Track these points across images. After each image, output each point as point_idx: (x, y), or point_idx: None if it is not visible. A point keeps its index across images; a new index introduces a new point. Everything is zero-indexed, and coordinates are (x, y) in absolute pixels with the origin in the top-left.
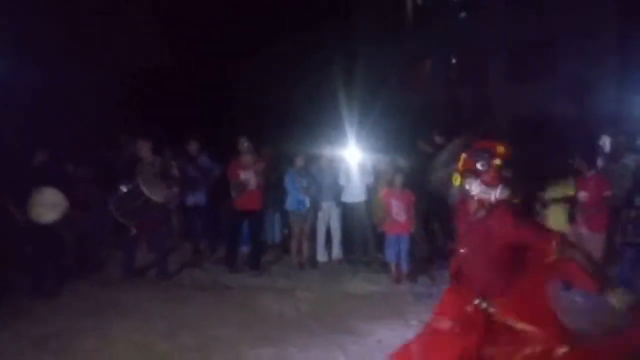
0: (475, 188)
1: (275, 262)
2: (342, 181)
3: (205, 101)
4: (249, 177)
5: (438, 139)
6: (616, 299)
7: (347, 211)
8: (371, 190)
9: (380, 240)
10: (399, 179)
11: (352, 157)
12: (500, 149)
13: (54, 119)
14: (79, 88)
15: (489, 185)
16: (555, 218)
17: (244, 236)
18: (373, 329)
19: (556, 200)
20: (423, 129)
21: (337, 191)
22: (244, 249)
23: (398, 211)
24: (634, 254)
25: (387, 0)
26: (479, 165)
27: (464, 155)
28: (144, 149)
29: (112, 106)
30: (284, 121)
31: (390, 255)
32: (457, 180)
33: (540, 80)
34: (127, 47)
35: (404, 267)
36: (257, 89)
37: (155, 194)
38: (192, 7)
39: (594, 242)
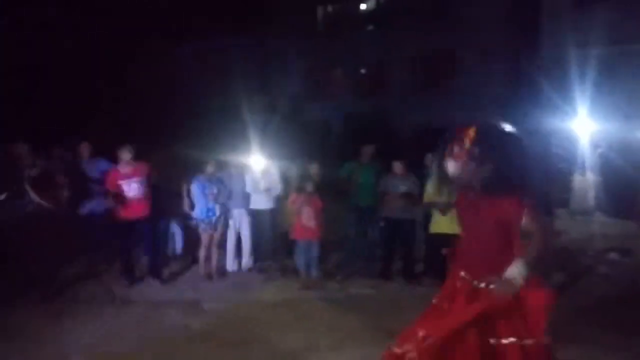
0: (451, 168)
1: (181, 273)
2: (248, 189)
3: (103, 102)
4: (129, 186)
5: (368, 150)
6: (516, 271)
7: (256, 218)
8: (280, 197)
9: (290, 247)
10: (309, 185)
11: (259, 164)
12: (471, 131)
13: None
14: None
15: (458, 161)
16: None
17: (146, 247)
18: (283, 338)
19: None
20: (333, 137)
21: (247, 198)
22: (145, 260)
23: (308, 217)
24: None
25: (299, 8)
26: (456, 149)
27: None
28: (21, 152)
29: None
30: (191, 126)
31: (300, 261)
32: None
33: (440, 92)
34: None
35: (314, 273)
36: (162, 92)
37: (43, 199)
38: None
39: None
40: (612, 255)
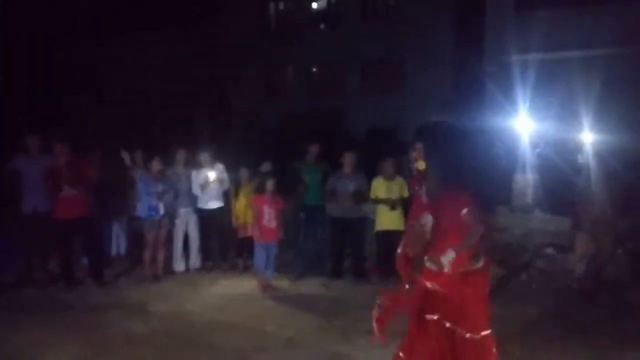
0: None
1: (126, 274)
2: (195, 188)
3: (46, 94)
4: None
5: (314, 149)
6: (445, 255)
7: (204, 218)
8: (228, 196)
9: (239, 246)
10: (270, 184)
11: (208, 162)
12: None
13: None
14: None
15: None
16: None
17: (86, 248)
18: (230, 339)
19: (400, 201)
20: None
21: (194, 197)
22: (85, 261)
23: (269, 218)
24: None
25: (250, 3)
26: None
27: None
28: None
29: None
30: (140, 124)
31: (259, 262)
32: (421, 165)
33: (389, 94)
34: None
35: (270, 273)
36: (109, 83)
37: None
38: None
39: None
40: (549, 251)
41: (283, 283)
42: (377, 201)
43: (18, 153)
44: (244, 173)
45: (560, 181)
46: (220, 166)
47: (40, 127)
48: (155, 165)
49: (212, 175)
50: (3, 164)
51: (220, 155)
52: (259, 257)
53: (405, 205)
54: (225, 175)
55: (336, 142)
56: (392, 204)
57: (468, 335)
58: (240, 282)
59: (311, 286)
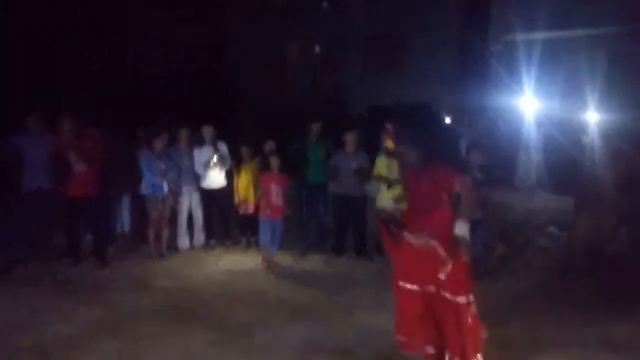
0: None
1: (130, 252)
2: (198, 167)
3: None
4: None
5: (316, 127)
6: (457, 228)
7: (207, 196)
8: (231, 174)
9: (242, 223)
10: (275, 162)
11: (213, 140)
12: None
13: None
14: None
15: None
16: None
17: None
18: (235, 313)
19: (398, 181)
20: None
21: (197, 175)
22: (89, 238)
23: (276, 195)
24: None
25: None
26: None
27: None
28: None
29: None
30: (145, 102)
31: (265, 239)
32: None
33: (393, 72)
34: None
35: (274, 249)
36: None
37: None
38: None
39: None
40: (552, 229)
41: (286, 259)
42: (379, 178)
43: (18, 131)
44: (245, 151)
45: (565, 160)
46: (222, 144)
47: (40, 105)
48: (159, 143)
49: (214, 156)
50: (3, 142)
51: (223, 133)
52: (265, 233)
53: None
54: (227, 153)
55: (339, 120)
56: (389, 183)
57: (447, 295)
58: (243, 258)
59: (314, 263)
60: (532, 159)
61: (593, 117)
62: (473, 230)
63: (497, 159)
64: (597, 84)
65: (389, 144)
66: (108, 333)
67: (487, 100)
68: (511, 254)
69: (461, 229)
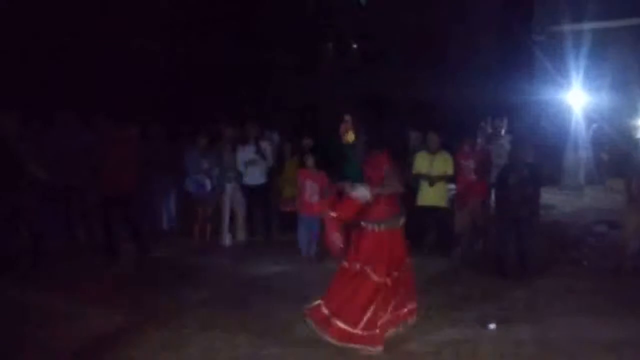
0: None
1: (174, 247)
2: (241, 164)
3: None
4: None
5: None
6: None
7: (249, 193)
8: (273, 172)
9: (283, 221)
10: (310, 159)
11: (255, 138)
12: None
13: None
14: None
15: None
16: (436, 193)
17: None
18: (278, 307)
19: (440, 178)
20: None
21: (239, 173)
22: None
23: (311, 192)
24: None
25: None
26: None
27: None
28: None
29: None
30: (187, 103)
31: (302, 237)
32: (350, 137)
33: (432, 66)
34: None
35: (314, 248)
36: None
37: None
38: None
39: (474, 205)
40: (600, 228)
41: (329, 259)
42: (419, 176)
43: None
44: (287, 148)
45: (616, 157)
46: (264, 142)
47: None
48: (202, 141)
49: (256, 155)
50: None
51: (264, 132)
52: (301, 231)
53: (450, 182)
54: (269, 151)
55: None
56: (431, 181)
57: (357, 265)
58: (285, 257)
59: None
60: (580, 157)
61: None
62: (517, 227)
63: (542, 157)
64: None
65: (350, 136)
66: (152, 324)
67: (533, 95)
68: (557, 253)
69: (358, 190)
